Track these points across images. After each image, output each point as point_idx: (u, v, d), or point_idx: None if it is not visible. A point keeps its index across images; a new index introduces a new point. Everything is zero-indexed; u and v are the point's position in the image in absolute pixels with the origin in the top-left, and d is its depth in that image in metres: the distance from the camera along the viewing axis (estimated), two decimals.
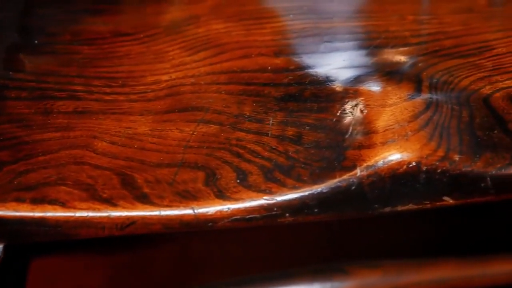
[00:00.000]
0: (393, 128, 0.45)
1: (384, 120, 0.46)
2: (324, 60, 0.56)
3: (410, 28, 0.60)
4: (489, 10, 0.62)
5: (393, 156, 0.43)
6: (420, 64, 0.53)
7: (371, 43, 0.58)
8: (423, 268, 0.89)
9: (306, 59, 0.56)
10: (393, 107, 0.47)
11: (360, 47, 0.57)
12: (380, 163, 0.43)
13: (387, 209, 0.44)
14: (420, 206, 0.44)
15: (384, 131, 0.45)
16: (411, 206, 0.44)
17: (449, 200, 0.44)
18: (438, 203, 0.44)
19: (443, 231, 1.11)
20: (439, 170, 0.43)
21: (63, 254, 0.67)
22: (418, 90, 0.49)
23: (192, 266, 0.86)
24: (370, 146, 0.44)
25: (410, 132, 0.44)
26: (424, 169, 0.43)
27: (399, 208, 0.44)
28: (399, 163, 0.43)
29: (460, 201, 0.44)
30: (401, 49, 0.57)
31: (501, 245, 1.01)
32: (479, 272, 0.88)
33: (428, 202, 0.44)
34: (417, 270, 0.89)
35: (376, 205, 0.44)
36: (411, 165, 0.43)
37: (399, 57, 0.55)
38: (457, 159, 0.43)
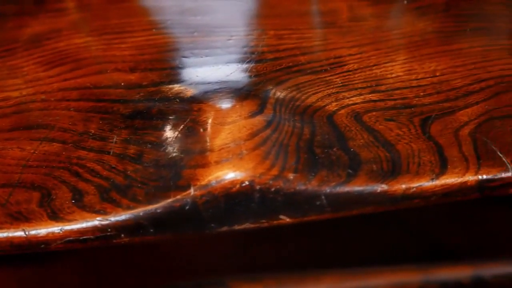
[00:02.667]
0: (229, 146, 0.44)
1: (221, 138, 0.45)
2: (179, 76, 0.55)
3: (269, 44, 0.60)
4: (349, 25, 0.62)
5: (226, 175, 0.43)
6: (270, 80, 0.53)
7: (229, 58, 0.58)
8: (304, 281, 0.90)
9: (161, 75, 0.55)
10: (231, 125, 0.46)
11: (216, 63, 0.57)
12: (213, 182, 0.42)
13: (224, 228, 0.44)
14: (257, 225, 0.44)
15: (219, 150, 0.44)
16: (248, 225, 0.44)
17: (285, 219, 0.44)
18: (275, 222, 0.44)
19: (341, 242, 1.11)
20: (272, 189, 0.43)
21: None
22: (262, 107, 0.49)
23: (97, 279, 0.84)
24: (205, 165, 0.43)
25: (245, 151, 0.44)
26: (257, 188, 0.42)
27: (236, 227, 0.44)
28: (232, 182, 0.42)
29: (297, 219, 0.44)
30: (256, 64, 0.56)
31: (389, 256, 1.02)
32: (357, 284, 0.89)
33: (265, 221, 0.44)
34: (297, 283, 0.89)
35: (213, 224, 0.44)
36: (244, 184, 0.42)
37: (252, 73, 0.54)
38: (292, 177, 0.43)
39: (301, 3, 0.67)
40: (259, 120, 0.47)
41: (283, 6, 0.68)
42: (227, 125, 0.47)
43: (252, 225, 0.44)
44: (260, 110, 0.49)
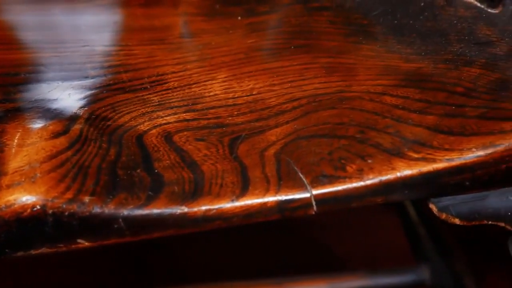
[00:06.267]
0: (23, 169, 0.43)
1: (17, 161, 0.44)
2: None
3: (95, 60, 0.58)
4: (179, 41, 0.61)
5: (16, 199, 0.41)
6: (87, 99, 0.52)
7: (51, 76, 0.56)
8: None
9: None
10: (30, 147, 0.45)
11: (37, 81, 0.55)
12: (3, 207, 0.41)
13: (20, 253, 0.43)
14: (55, 249, 0.43)
15: (13, 173, 0.43)
16: (45, 250, 0.43)
17: (84, 243, 0.43)
18: (73, 246, 0.43)
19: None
20: (66, 213, 0.41)
21: None
22: (69, 127, 0.48)
23: None
24: None
25: (39, 174, 0.42)
26: (50, 212, 0.41)
27: (33, 252, 0.43)
28: (23, 207, 0.41)
29: (96, 243, 0.43)
30: (76, 82, 0.55)
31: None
32: None
33: (62, 245, 0.43)
34: None
35: (7, 250, 0.42)
36: (35, 209, 0.41)
37: (70, 91, 0.53)
38: (87, 200, 0.42)
39: (137, 18, 0.66)
40: (61, 141, 0.46)
41: (119, 22, 0.66)
42: (26, 147, 0.45)
43: (49, 250, 0.43)
44: (65, 131, 0.47)
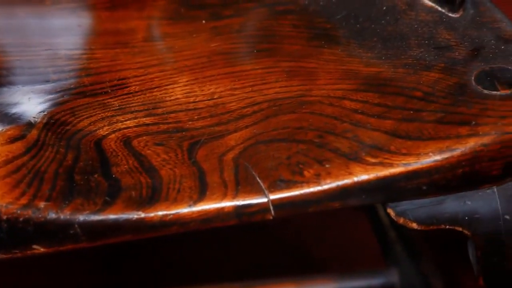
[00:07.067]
0: None
1: None
2: None
3: (56, 64, 0.58)
4: (142, 45, 0.61)
5: None
6: (47, 103, 0.52)
7: (12, 80, 0.56)
8: None
9: None
10: None
11: None
12: None
13: None
14: (10, 255, 0.43)
15: None
16: (0, 256, 0.42)
17: (39, 249, 0.42)
18: (29, 252, 0.42)
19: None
20: (21, 219, 0.41)
21: None
22: (26, 132, 0.47)
23: None
24: None
25: None
26: (4, 218, 0.41)
27: None
28: None
29: (52, 248, 0.43)
30: (37, 86, 0.55)
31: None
32: None
33: (17, 251, 0.42)
34: None
35: None
36: None
37: (30, 96, 0.53)
38: (43, 206, 0.42)
39: (102, 22, 0.66)
40: (18, 146, 0.46)
41: (84, 25, 0.66)
42: None
43: (4, 256, 0.43)
44: (22, 136, 0.47)
